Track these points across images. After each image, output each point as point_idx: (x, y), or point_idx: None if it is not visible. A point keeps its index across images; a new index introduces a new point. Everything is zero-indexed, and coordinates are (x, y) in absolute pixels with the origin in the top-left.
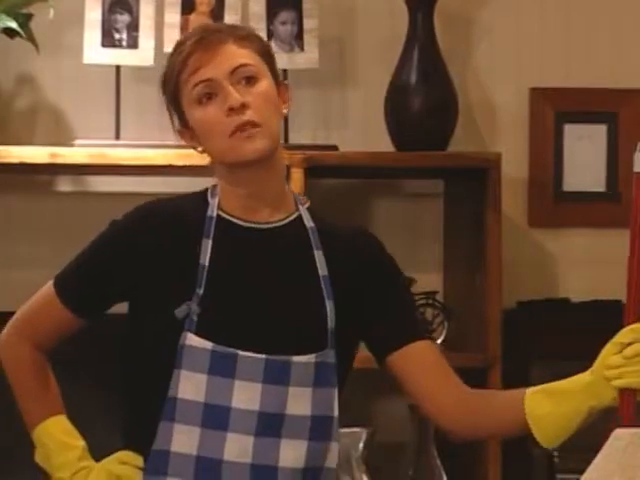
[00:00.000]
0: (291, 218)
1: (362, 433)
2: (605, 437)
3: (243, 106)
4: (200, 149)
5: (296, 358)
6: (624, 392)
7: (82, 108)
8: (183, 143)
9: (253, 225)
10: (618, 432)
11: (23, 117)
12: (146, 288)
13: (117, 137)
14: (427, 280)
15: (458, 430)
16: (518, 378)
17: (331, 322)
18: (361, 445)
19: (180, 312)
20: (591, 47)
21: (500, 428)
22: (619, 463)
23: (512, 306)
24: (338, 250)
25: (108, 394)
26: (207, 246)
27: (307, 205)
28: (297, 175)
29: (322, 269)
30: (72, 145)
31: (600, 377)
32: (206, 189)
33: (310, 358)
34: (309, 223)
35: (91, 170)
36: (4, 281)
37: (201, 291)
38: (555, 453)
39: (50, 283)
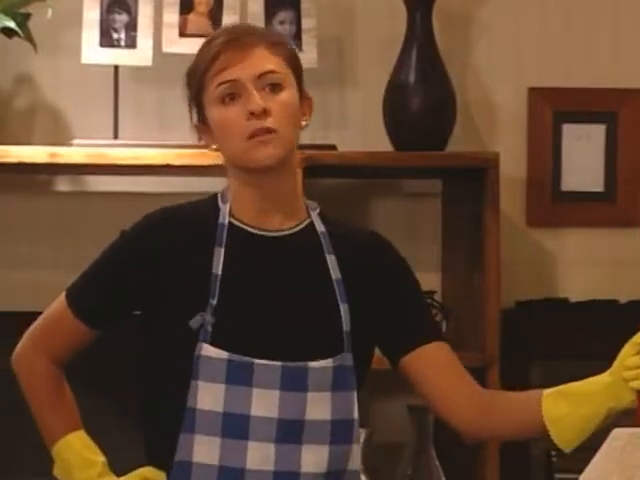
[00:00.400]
0: (303, 225)
1: (361, 433)
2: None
3: (264, 112)
4: (214, 147)
5: (313, 364)
6: None
7: (80, 108)
8: (182, 143)
9: (265, 233)
10: (616, 432)
11: (21, 117)
12: (159, 297)
13: (115, 137)
14: (425, 280)
15: (473, 431)
16: (517, 378)
17: (346, 325)
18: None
19: (194, 323)
20: (590, 47)
21: (516, 429)
22: (617, 462)
23: (510, 306)
24: (350, 253)
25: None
26: (219, 255)
27: (318, 210)
28: None
29: (335, 273)
30: (70, 145)
31: (619, 378)
32: (216, 194)
33: (327, 363)
34: (320, 228)
35: (90, 170)
36: (3, 281)
37: (215, 301)
38: (553, 453)
39: (63, 295)
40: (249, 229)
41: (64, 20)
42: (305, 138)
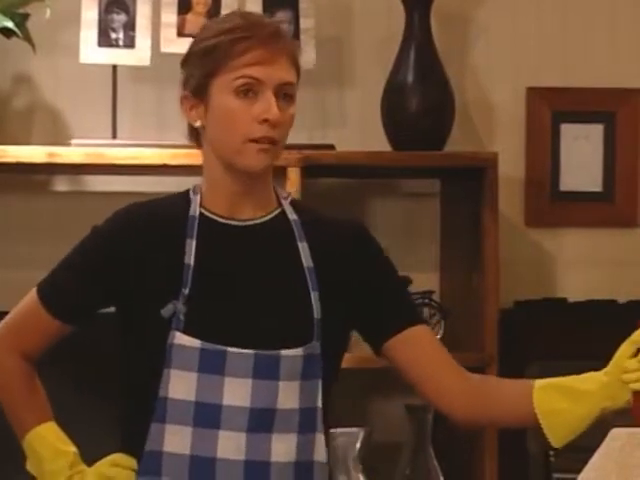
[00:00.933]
0: (274, 214)
1: (359, 433)
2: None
3: (277, 123)
4: (198, 124)
5: (285, 352)
6: (638, 394)
7: (79, 108)
8: (179, 143)
9: (236, 223)
10: (614, 432)
11: (20, 117)
12: (132, 291)
13: (114, 137)
14: (424, 279)
15: (461, 415)
16: (515, 378)
17: (317, 314)
18: (358, 445)
19: (166, 311)
20: (588, 46)
21: (505, 416)
22: (616, 463)
23: (509, 306)
24: (323, 241)
25: (104, 397)
26: (191, 246)
27: (289, 199)
28: (294, 174)
29: (307, 261)
30: (69, 145)
31: (616, 379)
32: (187, 189)
33: (298, 351)
34: (292, 216)
35: (88, 170)
36: (2, 281)
37: (187, 290)
38: (551, 452)
39: (33, 291)
40: (220, 219)
41: (62, 20)
42: (303, 138)
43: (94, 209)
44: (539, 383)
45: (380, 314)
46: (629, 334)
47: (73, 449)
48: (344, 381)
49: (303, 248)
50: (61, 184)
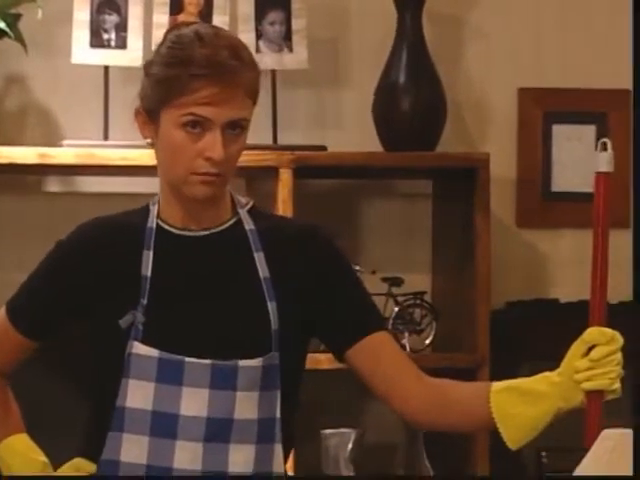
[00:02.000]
0: (230, 223)
1: (351, 434)
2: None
3: (221, 162)
4: (149, 140)
5: (243, 362)
6: (592, 394)
7: (71, 108)
8: None
9: (191, 233)
10: (606, 432)
11: (12, 117)
12: (94, 304)
13: (105, 137)
14: (416, 280)
15: (422, 420)
16: (507, 379)
17: (274, 324)
18: (350, 446)
19: (125, 322)
20: (580, 48)
21: (463, 420)
22: (608, 463)
23: (501, 306)
24: (282, 250)
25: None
26: (148, 257)
27: (248, 207)
28: (286, 175)
29: (263, 271)
30: (61, 145)
31: (569, 379)
32: (148, 202)
33: (257, 362)
34: (249, 225)
35: (80, 170)
36: None
37: (145, 301)
38: (543, 453)
39: (2, 310)
40: (175, 231)
41: (54, 21)
42: (297, 139)
43: (86, 210)
44: (495, 386)
45: (339, 321)
46: (621, 334)
47: (43, 459)
48: (337, 382)
49: (259, 258)
50: (53, 185)
